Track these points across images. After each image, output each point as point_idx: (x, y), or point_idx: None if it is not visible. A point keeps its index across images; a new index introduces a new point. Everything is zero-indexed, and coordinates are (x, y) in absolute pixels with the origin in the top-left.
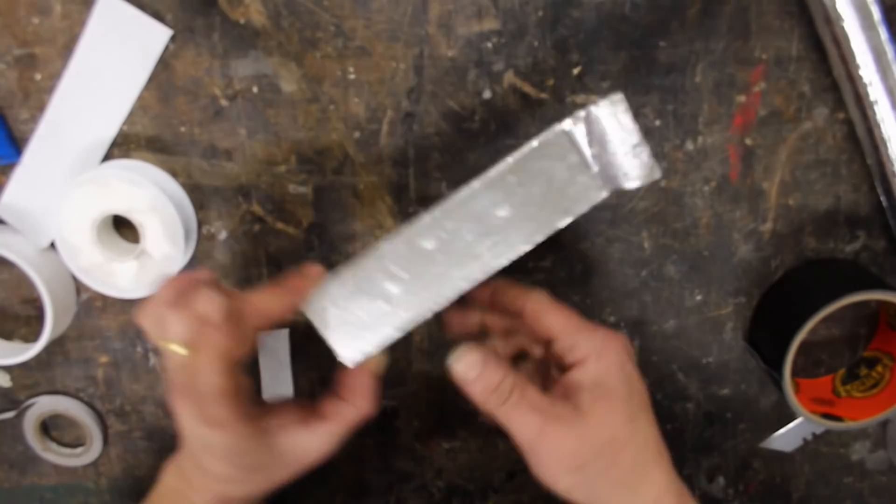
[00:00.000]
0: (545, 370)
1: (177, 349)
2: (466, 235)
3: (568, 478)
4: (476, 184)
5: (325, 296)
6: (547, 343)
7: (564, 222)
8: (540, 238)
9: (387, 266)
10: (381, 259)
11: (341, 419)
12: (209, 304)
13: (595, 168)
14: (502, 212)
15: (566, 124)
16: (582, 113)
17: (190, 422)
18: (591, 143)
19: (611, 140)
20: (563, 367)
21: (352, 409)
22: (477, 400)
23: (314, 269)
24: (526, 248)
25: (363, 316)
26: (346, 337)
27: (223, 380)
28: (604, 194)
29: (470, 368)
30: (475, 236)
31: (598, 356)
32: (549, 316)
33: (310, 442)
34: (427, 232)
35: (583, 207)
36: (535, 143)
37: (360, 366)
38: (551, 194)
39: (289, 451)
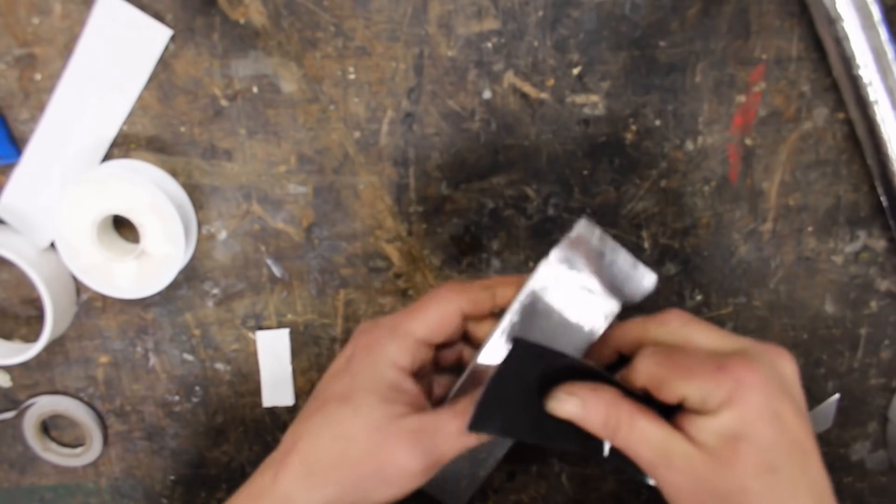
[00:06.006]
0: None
1: None
2: None
3: None
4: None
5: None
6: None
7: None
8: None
9: None
10: None
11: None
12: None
13: (598, 285)
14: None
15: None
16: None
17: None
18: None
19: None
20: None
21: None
22: (593, 432)
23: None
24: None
25: None
26: None
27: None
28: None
29: (572, 410)
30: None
31: (731, 405)
32: (673, 381)
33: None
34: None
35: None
36: (534, 285)
37: None
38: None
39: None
